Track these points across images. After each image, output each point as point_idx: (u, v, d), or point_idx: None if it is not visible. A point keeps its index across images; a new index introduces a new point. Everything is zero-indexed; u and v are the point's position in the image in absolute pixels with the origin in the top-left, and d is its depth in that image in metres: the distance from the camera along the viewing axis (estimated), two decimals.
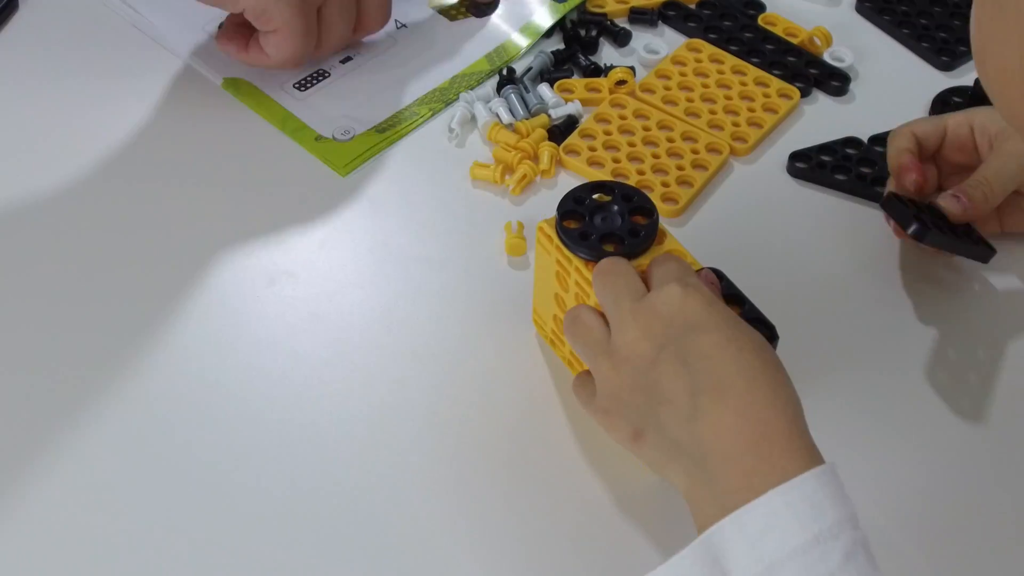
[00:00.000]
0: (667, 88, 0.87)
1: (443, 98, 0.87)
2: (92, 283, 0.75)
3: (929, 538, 0.63)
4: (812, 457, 0.50)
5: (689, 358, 0.53)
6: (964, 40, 0.92)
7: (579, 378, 0.63)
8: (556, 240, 0.64)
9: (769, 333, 0.61)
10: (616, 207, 0.64)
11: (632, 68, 0.88)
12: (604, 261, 0.61)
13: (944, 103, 0.87)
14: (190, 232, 0.78)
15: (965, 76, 0.90)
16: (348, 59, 0.90)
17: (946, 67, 0.90)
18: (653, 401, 0.53)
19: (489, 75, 0.89)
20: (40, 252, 0.77)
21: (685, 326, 0.54)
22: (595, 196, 0.65)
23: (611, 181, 0.66)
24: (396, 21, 0.93)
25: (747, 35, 0.92)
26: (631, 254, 0.62)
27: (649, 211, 0.64)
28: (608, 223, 0.63)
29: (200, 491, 0.65)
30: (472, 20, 0.93)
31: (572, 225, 0.64)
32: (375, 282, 0.76)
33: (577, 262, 0.63)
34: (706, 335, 0.53)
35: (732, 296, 0.65)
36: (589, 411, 0.60)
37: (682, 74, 0.88)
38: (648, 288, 0.58)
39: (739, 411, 0.51)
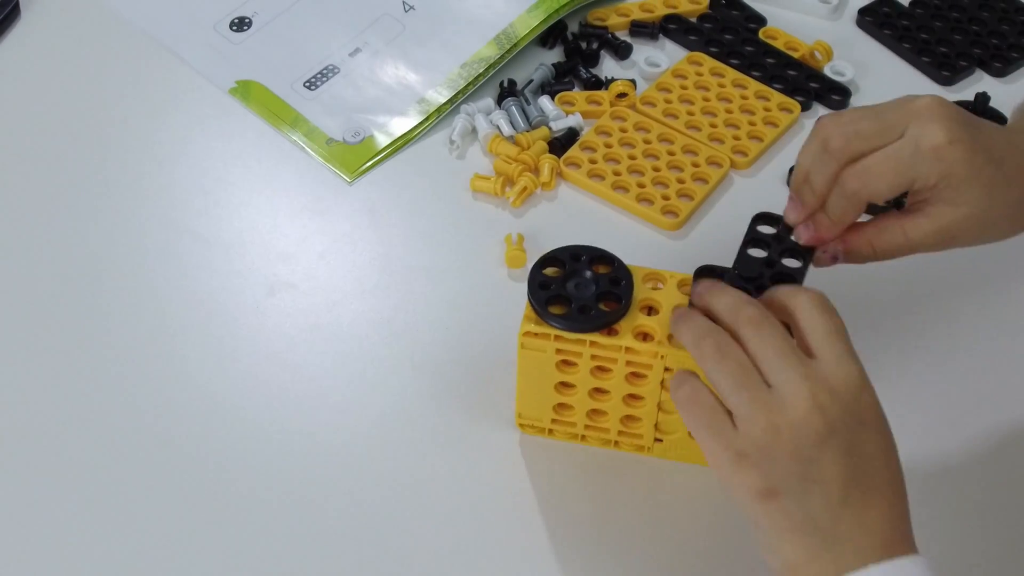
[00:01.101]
0: (668, 101, 0.87)
1: (452, 87, 0.87)
2: (92, 292, 0.75)
3: None
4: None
5: (854, 452, 0.53)
6: (965, 55, 0.92)
7: (703, 394, 0.56)
8: (553, 332, 0.61)
9: None
10: (585, 272, 0.62)
11: (633, 81, 0.88)
12: (737, 304, 0.56)
13: None
14: (190, 242, 0.78)
15: (965, 90, 0.90)
16: (357, 50, 0.90)
17: (947, 81, 0.90)
18: (807, 475, 0.53)
19: (498, 61, 0.88)
20: (41, 260, 0.77)
21: (857, 418, 0.54)
22: (545, 272, 0.63)
23: (550, 252, 0.64)
24: (404, 3, 0.93)
25: (748, 49, 0.92)
26: (629, 303, 0.61)
27: (608, 258, 0.63)
28: (584, 288, 0.62)
29: (199, 503, 0.65)
30: None
31: (561, 311, 0.61)
32: (375, 293, 0.76)
33: (592, 337, 0.61)
34: (874, 436, 0.54)
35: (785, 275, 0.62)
36: (717, 444, 0.55)
37: (683, 87, 0.88)
38: (792, 330, 0.56)
39: (882, 514, 0.53)
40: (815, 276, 0.63)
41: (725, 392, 0.55)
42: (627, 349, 0.61)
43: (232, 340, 0.73)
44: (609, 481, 0.66)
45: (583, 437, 0.67)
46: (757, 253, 0.64)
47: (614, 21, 0.94)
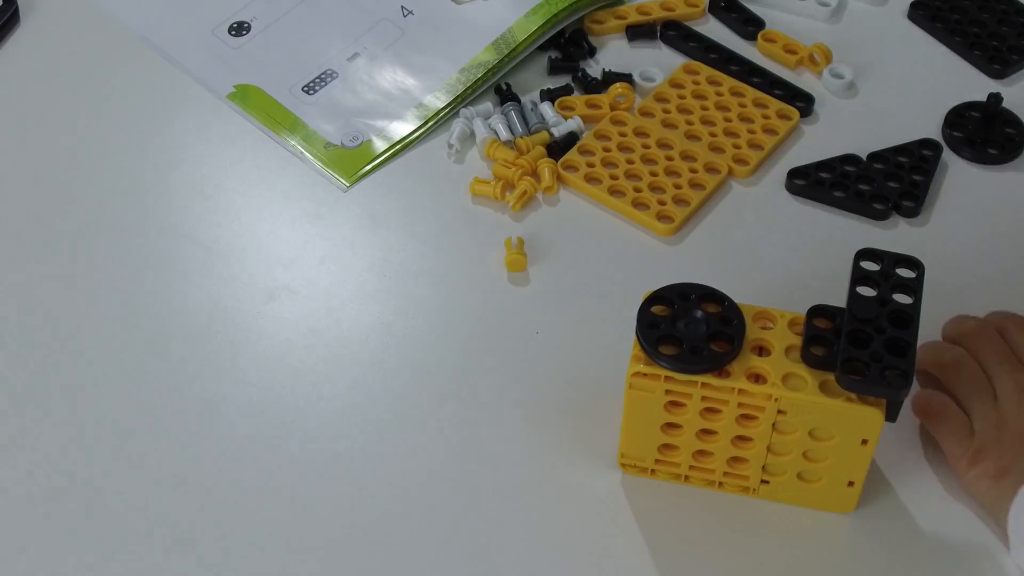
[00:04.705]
0: (666, 111, 0.87)
1: (450, 92, 0.88)
2: (91, 298, 0.75)
3: None
4: None
5: None
6: (1016, 48, 0.91)
7: (954, 422, 0.67)
8: (663, 373, 0.59)
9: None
10: (694, 311, 0.60)
11: (630, 76, 0.88)
12: (968, 320, 0.70)
13: (959, 115, 0.87)
14: (189, 248, 0.79)
15: (1016, 84, 0.90)
16: (355, 55, 0.91)
17: (998, 75, 0.90)
18: None
19: (497, 66, 0.88)
20: (40, 265, 0.77)
21: None
22: (653, 310, 0.61)
23: (658, 291, 0.62)
24: (403, 8, 0.93)
25: (734, 67, 0.91)
26: (741, 344, 0.59)
27: (717, 297, 0.61)
28: (695, 327, 0.60)
29: (198, 507, 0.65)
30: (479, 3, 0.92)
31: (671, 351, 0.59)
32: (375, 298, 0.76)
33: (704, 378, 0.59)
34: None
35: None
36: (958, 449, 0.65)
37: (680, 97, 0.88)
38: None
39: None
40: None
41: (961, 397, 0.67)
42: (740, 391, 0.59)
43: (232, 345, 0.73)
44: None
45: (686, 478, 0.66)
46: (866, 291, 0.62)
47: (611, 24, 0.94)
